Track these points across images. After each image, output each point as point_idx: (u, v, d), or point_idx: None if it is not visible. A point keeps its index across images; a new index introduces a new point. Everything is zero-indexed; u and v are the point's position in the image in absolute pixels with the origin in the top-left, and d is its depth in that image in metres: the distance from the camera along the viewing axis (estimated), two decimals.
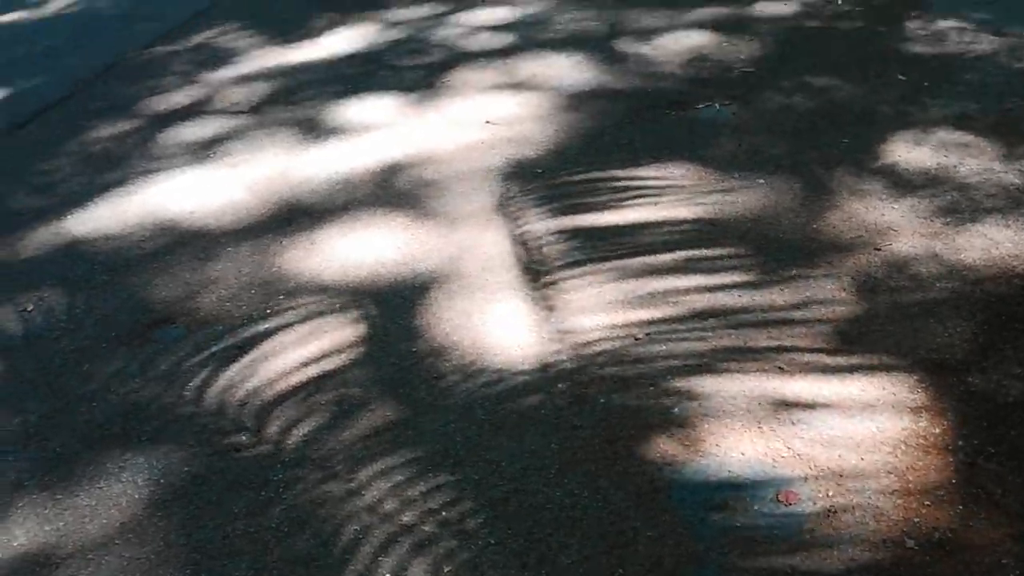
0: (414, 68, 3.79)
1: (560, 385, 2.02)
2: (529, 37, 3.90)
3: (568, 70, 3.54)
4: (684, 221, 2.53)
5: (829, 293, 2.19)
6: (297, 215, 2.86)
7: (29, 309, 2.58)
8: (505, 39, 3.92)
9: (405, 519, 1.75)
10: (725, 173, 2.74)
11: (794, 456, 1.76)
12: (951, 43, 3.39)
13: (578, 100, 3.31)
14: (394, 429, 1.97)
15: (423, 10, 4.38)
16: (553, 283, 2.35)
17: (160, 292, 2.57)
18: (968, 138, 2.77)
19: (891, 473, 1.70)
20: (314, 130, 3.39)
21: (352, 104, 3.54)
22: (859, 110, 3.00)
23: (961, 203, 2.47)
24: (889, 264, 2.27)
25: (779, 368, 1.98)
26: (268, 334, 2.32)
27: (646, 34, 3.73)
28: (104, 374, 2.28)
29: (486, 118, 3.27)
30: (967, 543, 1.56)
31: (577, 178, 2.83)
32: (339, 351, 2.23)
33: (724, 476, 1.75)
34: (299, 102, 3.64)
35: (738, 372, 1.98)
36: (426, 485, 1.82)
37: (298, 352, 2.24)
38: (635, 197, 2.67)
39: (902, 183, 2.59)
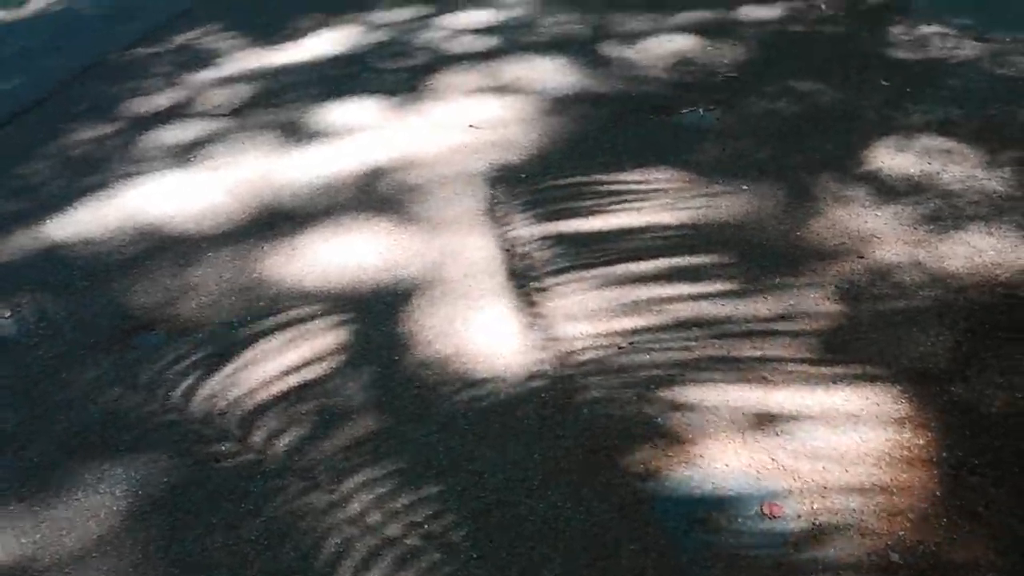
0: (397, 71, 3.77)
1: (544, 395, 2.01)
2: (513, 40, 3.88)
3: (552, 74, 3.53)
4: (668, 227, 2.52)
5: (813, 302, 2.18)
6: (279, 219, 2.84)
7: (7, 315, 2.54)
8: (488, 42, 3.90)
9: (388, 531, 1.73)
10: (709, 178, 2.73)
11: (778, 468, 1.76)
12: (934, 48, 3.40)
13: (562, 104, 3.30)
14: (376, 439, 1.95)
15: (407, 13, 4.36)
16: (537, 290, 2.34)
17: (140, 298, 2.54)
18: (951, 144, 2.78)
19: (876, 486, 1.70)
20: (296, 133, 3.36)
21: (335, 107, 3.52)
22: (842, 115, 3.00)
23: (944, 210, 2.47)
24: (872, 272, 2.26)
25: (763, 378, 1.97)
26: (249, 341, 2.30)
27: (630, 38, 3.72)
28: (82, 381, 2.25)
29: (469, 122, 3.25)
30: (952, 557, 1.55)
31: (561, 183, 2.81)
32: (321, 359, 2.21)
33: (708, 488, 1.74)
34: (281, 105, 3.61)
35: (722, 382, 1.98)
36: (409, 497, 1.80)
37: (279, 360, 2.22)
38: (619, 202, 2.66)
39: (885, 189, 2.59)
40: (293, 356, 2.23)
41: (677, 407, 1.93)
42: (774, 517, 1.66)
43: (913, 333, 2.06)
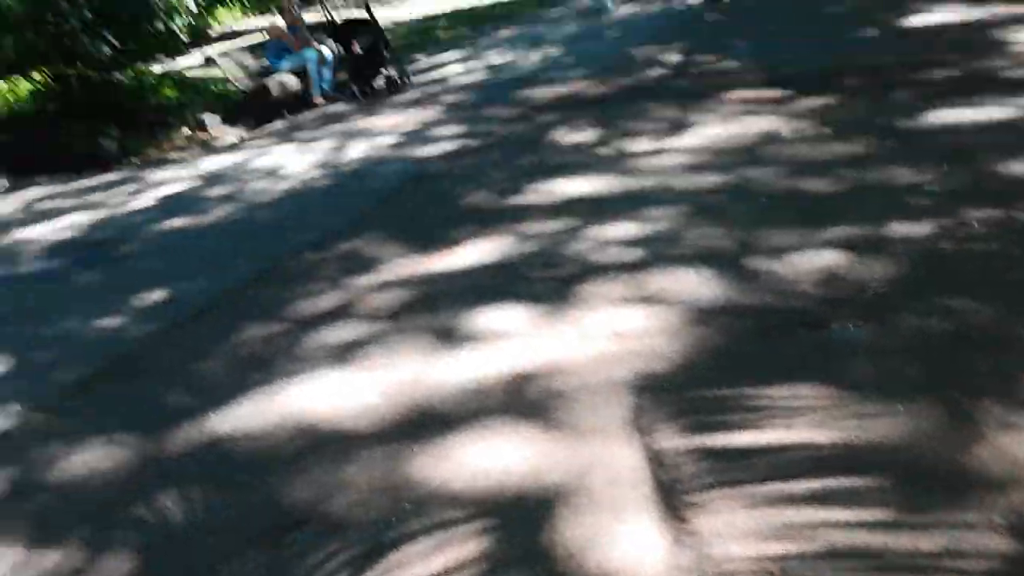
0: (546, 280, 3.92)
1: None
2: (658, 252, 4.00)
3: (697, 286, 3.60)
4: (820, 446, 2.46)
5: (980, 538, 2.05)
6: (429, 421, 2.93)
7: (168, 505, 2.68)
8: (635, 254, 4.03)
9: None
10: (862, 397, 2.67)
11: None
12: None
13: (707, 316, 3.34)
14: None
15: (557, 224, 4.58)
16: (684, 506, 2.30)
17: (295, 494, 2.64)
18: None
19: None
20: (449, 337, 3.51)
21: (486, 313, 3.67)
22: (998, 336, 2.91)
23: None
24: None
25: None
26: (396, 543, 2.34)
27: (777, 252, 3.77)
28: None
29: (615, 330, 3.33)
30: None
31: (708, 395, 2.81)
32: (464, 567, 2.21)
33: None
34: (436, 310, 3.80)
35: None
36: None
37: (424, 565, 2.24)
38: (768, 417, 2.63)
39: None
40: (437, 562, 2.24)
41: None
42: None
43: None
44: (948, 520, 2.12)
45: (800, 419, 2.60)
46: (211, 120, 9.83)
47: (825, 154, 4.88)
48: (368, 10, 10.33)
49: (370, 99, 9.66)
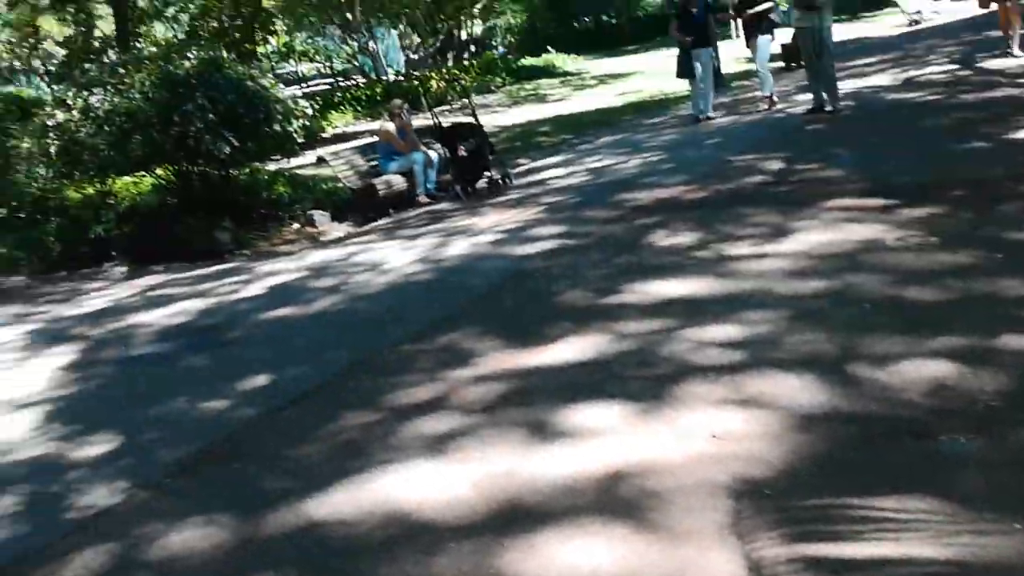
0: (642, 379, 3.90)
1: None
2: (758, 356, 3.94)
3: (798, 391, 3.52)
4: (931, 562, 2.35)
5: None
6: (519, 516, 2.91)
7: None
8: (733, 356, 3.98)
9: None
10: (974, 513, 2.55)
11: None
12: None
13: (809, 421, 3.26)
14: None
15: (654, 324, 4.56)
16: None
17: None
18: None
19: None
20: (542, 432, 3.51)
21: (580, 410, 3.66)
22: None
23: None
24: None
25: None
26: None
27: (881, 360, 3.67)
28: None
29: (712, 432, 3.27)
30: None
31: (810, 503, 2.72)
32: None
33: None
34: (530, 405, 3.80)
35: None
36: None
37: None
38: (874, 530, 2.53)
39: None
40: None
41: None
42: None
43: None
44: None
45: (909, 533, 2.49)
46: (320, 216, 10.24)
47: (930, 264, 4.77)
48: (474, 116, 10.72)
49: (473, 199, 9.92)
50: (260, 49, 22.33)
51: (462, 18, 28.17)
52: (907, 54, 16.44)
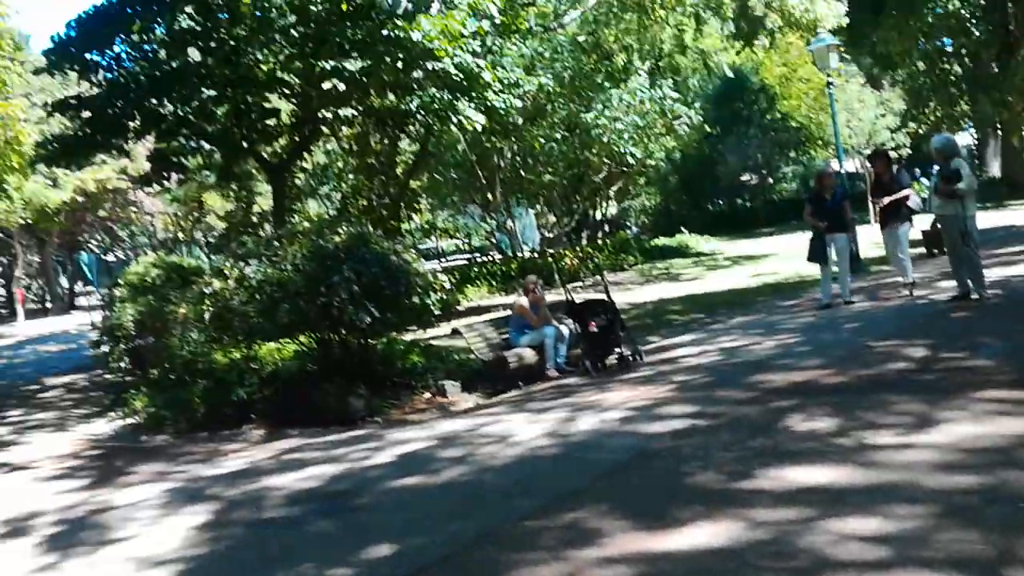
0: (778, 570, 3.70)
1: None
2: (904, 553, 3.69)
3: None
4: None
5: None
6: None
7: None
8: (877, 552, 3.75)
9: None
10: None
11: None
12: None
13: None
14: None
15: (790, 513, 4.37)
16: None
17: None
18: None
19: None
20: None
21: None
22: None
23: None
24: None
25: None
26: None
27: None
28: None
29: None
30: None
31: None
32: None
33: None
34: None
35: None
36: None
37: None
38: None
39: None
40: None
41: None
42: None
43: None
44: None
45: None
46: (451, 386, 10.42)
47: None
48: (607, 292, 10.88)
49: (603, 375, 9.92)
50: (404, 225, 23.50)
51: (598, 199, 29.01)
52: None
